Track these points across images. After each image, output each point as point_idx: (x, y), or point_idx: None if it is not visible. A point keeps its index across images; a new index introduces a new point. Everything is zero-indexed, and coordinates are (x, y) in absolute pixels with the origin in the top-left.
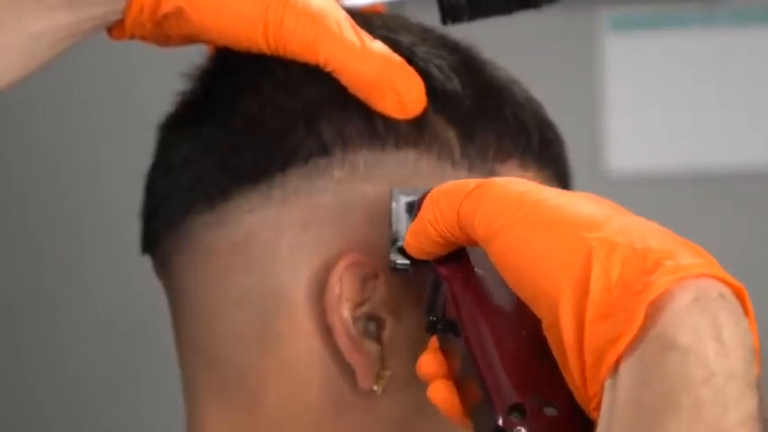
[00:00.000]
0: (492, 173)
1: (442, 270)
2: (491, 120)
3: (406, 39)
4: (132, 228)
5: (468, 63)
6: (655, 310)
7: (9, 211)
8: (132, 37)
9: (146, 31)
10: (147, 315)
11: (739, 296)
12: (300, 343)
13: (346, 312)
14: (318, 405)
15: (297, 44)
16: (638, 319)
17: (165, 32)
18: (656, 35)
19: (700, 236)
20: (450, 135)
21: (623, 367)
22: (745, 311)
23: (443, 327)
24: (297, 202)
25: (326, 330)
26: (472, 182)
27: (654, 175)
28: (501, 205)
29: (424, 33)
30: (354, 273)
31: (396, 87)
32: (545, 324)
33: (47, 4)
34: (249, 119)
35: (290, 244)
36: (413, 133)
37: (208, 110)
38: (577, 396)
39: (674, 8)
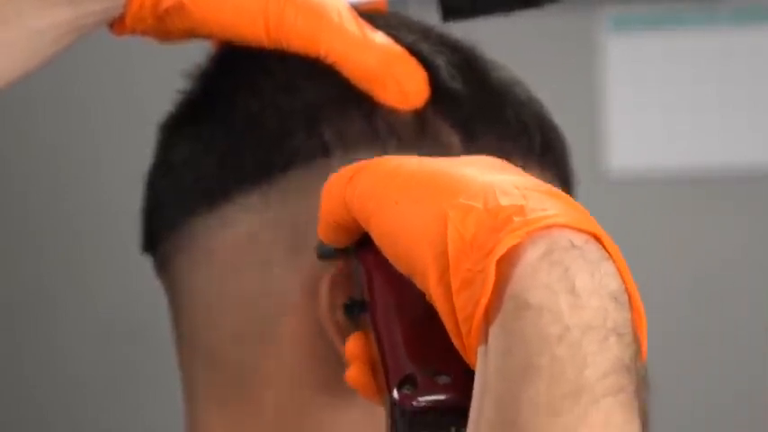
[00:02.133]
0: None
1: (359, 251)
2: (493, 121)
3: (407, 37)
4: (132, 228)
5: (469, 62)
6: (508, 269)
7: (9, 211)
8: (133, 32)
9: (147, 26)
10: (147, 315)
11: (599, 241)
12: (300, 344)
13: (341, 316)
14: (318, 405)
15: (298, 37)
16: (490, 280)
17: (166, 27)
18: (657, 35)
19: (700, 236)
20: (453, 138)
21: (490, 333)
22: (609, 255)
23: (359, 308)
24: (297, 203)
25: (324, 331)
26: (355, 165)
27: (654, 175)
28: (374, 184)
29: (426, 32)
30: (344, 280)
31: (397, 78)
32: (427, 297)
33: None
34: (249, 119)
35: (290, 245)
36: (414, 136)
37: (207, 110)
38: (471, 366)
39: (674, 8)
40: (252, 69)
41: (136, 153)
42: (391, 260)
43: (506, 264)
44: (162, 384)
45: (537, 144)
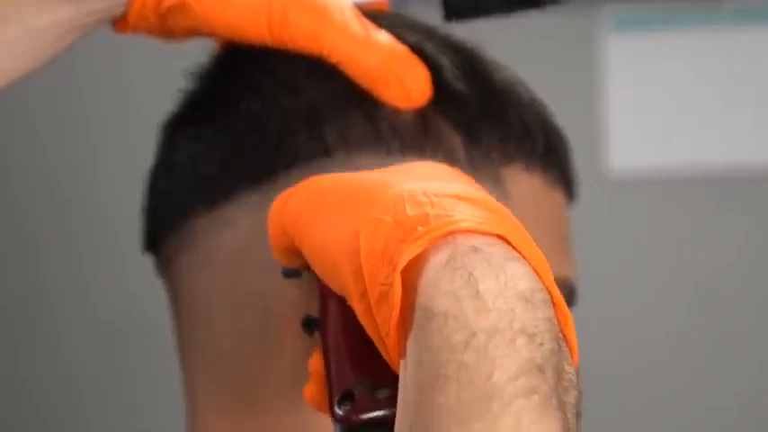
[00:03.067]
0: (497, 177)
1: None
2: (495, 123)
3: (411, 37)
4: (132, 228)
5: (472, 63)
6: (415, 279)
7: (8, 212)
8: (136, 31)
9: (150, 25)
10: (147, 315)
11: (506, 241)
12: (301, 344)
13: None
14: None
15: (301, 35)
16: (398, 293)
17: (169, 26)
18: (658, 35)
19: (700, 236)
20: (455, 140)
21: (407, 346)
22: (520, 255)
23: (315, 326)
24: None
25: None
26: (292, 187)
27: (654, 175)
28: (304, 204)
29: (429, 32)
30: None
31: (400, 77)
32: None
33: None
34: (251, 119)
35: None
36: (417, 138)
37: (210, 110)
38: None
39: (675, 8)
40: (254, 69)
41: (136, 153)
42: (323, 279)
43: (413, 274)
44: (162, 385)
45: (540, 145)
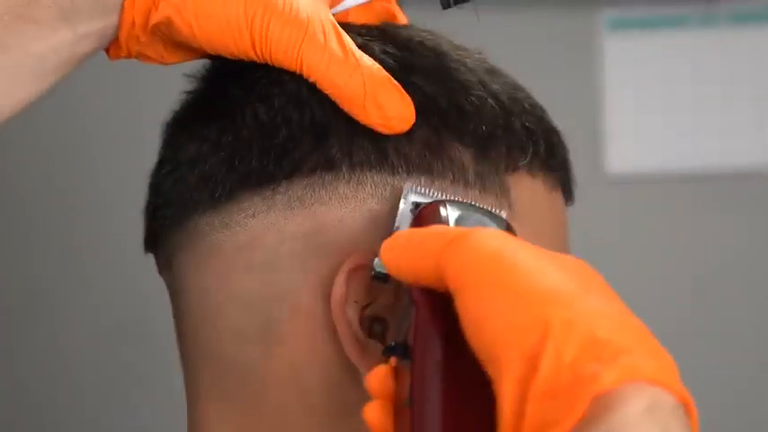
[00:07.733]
0: (504, 186)
1: (417, 293)
2: (502, 133)
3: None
4: (133, 228)
5: (486, 81)
6: (602, 406)
7: (8, 211)
8: (129, 54)
9: (140, 45)
10: (147, 315)
11: (689, 413)
12: (304, 345)
13: (352, 314)
14: (321, 406)
15: (282, 52)
16: (581, 408)
17: (159, 46)
18: (656, 35)
19: (700, 236)
20: (466, 157)
21: None
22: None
23: (401, 352)
24: (301, 210)
25: (331, 332)
26: (452, 231)
27: (653, 175)
28: (475, 260)
29: (450, 51)
30: (360, 275)
31: (379, 102)
32: (495, 388)
33: (45, 23)
34: (257, 126)
35: (293, 249)
36: (425, 160)
37: (217, 111)
38: None
39: (673, 8)
40: (262, 77)
41: (138, 152)
42: (469, 337)
43: (598, 397)
44: (163, 385)
45: (542, 149)
